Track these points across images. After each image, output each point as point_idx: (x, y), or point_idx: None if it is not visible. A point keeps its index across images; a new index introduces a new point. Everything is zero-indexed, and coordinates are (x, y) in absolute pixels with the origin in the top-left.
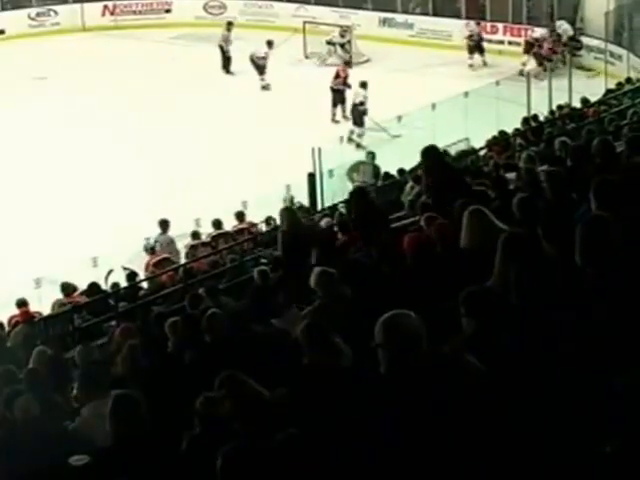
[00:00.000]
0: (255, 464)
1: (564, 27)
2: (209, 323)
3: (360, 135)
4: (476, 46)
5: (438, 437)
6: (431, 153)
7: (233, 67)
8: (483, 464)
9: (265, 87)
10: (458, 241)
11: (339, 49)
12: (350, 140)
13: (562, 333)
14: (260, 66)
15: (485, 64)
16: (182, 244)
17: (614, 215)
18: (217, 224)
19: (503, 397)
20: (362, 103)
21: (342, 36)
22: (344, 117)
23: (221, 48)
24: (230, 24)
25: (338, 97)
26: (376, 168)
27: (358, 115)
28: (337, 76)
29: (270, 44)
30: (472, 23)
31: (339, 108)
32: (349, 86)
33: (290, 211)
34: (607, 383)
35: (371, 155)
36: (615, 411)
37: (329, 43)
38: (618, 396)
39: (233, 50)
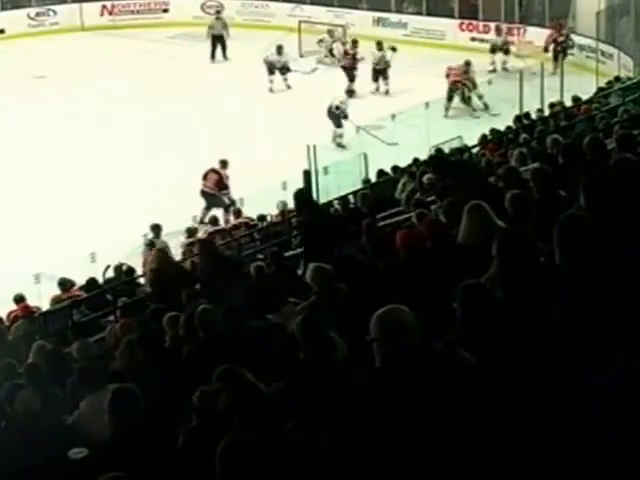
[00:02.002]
0: (256, 455)
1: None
2: (201, 319)
3: (340, 136)
4: (380, 71)
5: (432, 430)
6: (301, 195)
7: (225, 64)
8: (476, 457)
9: (270, 89)
10: (452, 237)
11: (335, 47)
12: (338, 145)
13: (551, 330)
14: (270, 68)
15: (387, 93)
16: (178, 241)
17: (598, 215)
18: (214, 221)
19: (495, 392)
20: (337, 107)
21: (330, 36)
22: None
23: (213, 38)
24: (218, 12)
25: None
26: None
27: (335, 117)
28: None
29: (280, 49)
30: (375, 51)
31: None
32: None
33: (161, 252)
34: (590, 379)
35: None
36: (599, 405)
37: (320, 41)
38: (602, 391)
39: (229, 48)
